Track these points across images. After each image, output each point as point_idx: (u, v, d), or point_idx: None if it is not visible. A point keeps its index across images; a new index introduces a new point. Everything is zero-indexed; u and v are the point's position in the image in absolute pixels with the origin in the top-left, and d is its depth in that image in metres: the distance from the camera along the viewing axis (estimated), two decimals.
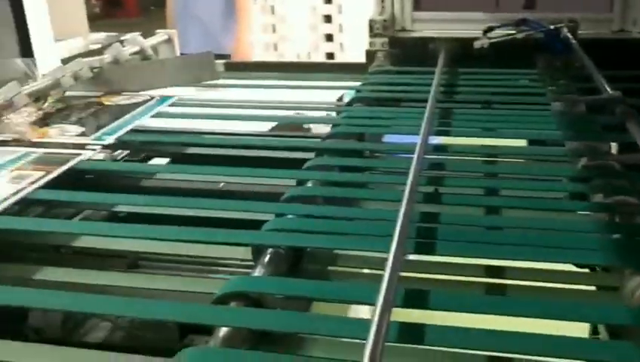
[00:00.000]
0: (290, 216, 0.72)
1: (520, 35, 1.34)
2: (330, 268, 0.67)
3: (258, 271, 0.62)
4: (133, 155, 1.13)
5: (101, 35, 3.37)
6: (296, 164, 0.93)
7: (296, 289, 0.58)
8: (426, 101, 1.03)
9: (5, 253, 0.82)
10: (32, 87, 1.09)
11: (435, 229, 0.69)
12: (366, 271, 0.67)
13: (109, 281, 0.69)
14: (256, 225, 0.73)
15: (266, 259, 0.63)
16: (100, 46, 2.94)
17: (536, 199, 0.78)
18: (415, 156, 0.79)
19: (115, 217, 0.90)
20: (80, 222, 0.79)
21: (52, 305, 0.61)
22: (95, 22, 3.42)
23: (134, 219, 0.81)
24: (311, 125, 1.37)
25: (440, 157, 0.91)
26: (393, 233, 0.59)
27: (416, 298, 0.57)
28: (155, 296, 0.68)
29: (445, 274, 0.64)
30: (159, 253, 0.80)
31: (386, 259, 0.55)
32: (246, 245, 0.67)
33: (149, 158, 1.12)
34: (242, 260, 0.77)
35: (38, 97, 1.10)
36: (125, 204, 0.83)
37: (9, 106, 1.03)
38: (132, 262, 0.87)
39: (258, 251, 0.65)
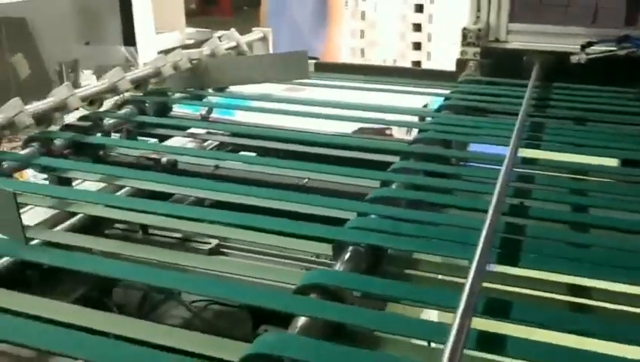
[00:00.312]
0: (373, 216, 0.73)
1: (622, 52, 1.29)
2: (408, 271, 0.67)
3: (338, 267, 0.62)
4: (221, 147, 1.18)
5: (195, 31, 3.50)
6: (380, 166, 0.94)
7: (377, 287, 0.58)
8: (516, 114, 1.01)
9: (96, 229, 0.87)
10: (134, 73, 1.15)
11: (519, 242, 0.68)
12: (444, 277, 0.67)
13: (191, 263, 0.71)
14: (337, 222, 0.74)
15: (347, 256, 0.64)
16: (193, 41, 3.07)
17: (628, 220, 0.75)
18: (503, 167, 0.78)
19: (201, 203, 0.93)
20: (167, 204, 0.82)
21: (136, 277, 0.63)
22: (190, 18, 3.55)
23: (220, 207, 0.84)
24: (394, 129, 1.38)
25: (528, 170, 0.89)
26: (477, 241, 0.59)
27: (496, 308, 0.56)
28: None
29: (527, 288, 0.63)
30: (241, 240, 0.82)
31: (466, 267, 0.55)
32: (329, 240, 0.68)
33: (237, 150, 1.15)
34: (319, 256, 0.78)
35: (139, 84, 1.15)
36: (213, 190, 0.85)
37: (113, 90, 1.08)
38: (215, 248, 0.90)
39: (339, 247, 0.66)
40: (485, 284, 0.57)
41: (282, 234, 0.73)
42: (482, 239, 0.59)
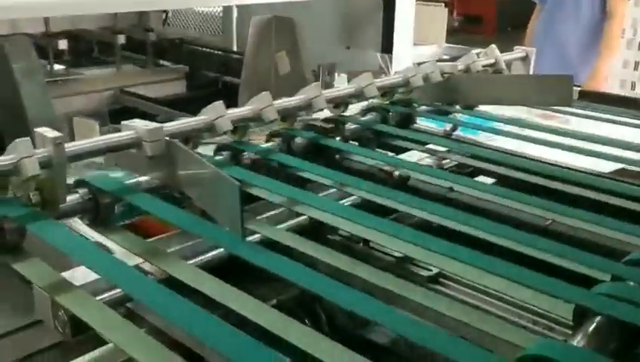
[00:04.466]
0: (631, 284, 0.60)
1: None
2: None
3: (578, 340, 0.51)
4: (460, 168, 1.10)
5: (454, 48, 3.45)
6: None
7: None
8: None
9: (317, 233, 0.85)
10: (383, 81, 1.12)
11: None
12: None
13: (407, 293, 0.65)
14: (583, 280, 0.63)
15: (591, 327, 0.52)
16: (449, 57, 3.01)
17: None
18: None
19: (425, 226, 0.86)
20: (392, 224, 0.77)
21: (346, 303, 0.59)
22: (451, 34, 3.51)
23: (444, 232, 0.77)
24: None
25: None
26: None
27: None
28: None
29: None
30: (463, 277, 0.74)
31: None
32: (569, 303, 0.57)
33: (474, 174, 1.07)
34: (553, 315, 0.67)
35: (385, 92, 1.13)
36: (442, 216, 0.78)
37: (359, 95, 1.07)
38: (434, 276, 0.83)
39: (582, 314, 0.54)
40: None
41: (514, 281, 0.63)
42: None
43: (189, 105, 1.90)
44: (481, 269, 0.65)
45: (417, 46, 2.25)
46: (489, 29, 9.08)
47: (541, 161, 1.09)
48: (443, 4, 4.14)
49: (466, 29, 8.68)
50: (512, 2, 8.39)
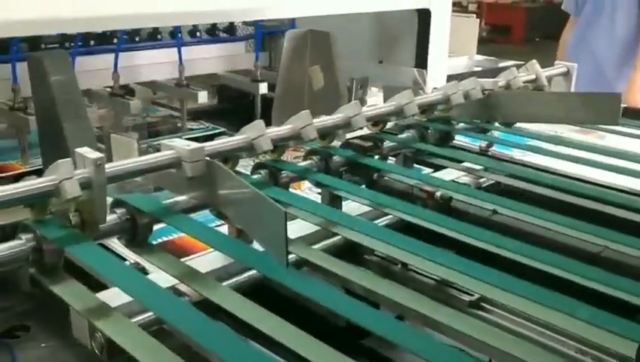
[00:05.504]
0: None
1: None
2: None
3: None
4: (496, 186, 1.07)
5: (485, 60, 3.39)
6: None
7: None
8: None
9: (354, 253, 0.83)
10: (423, 98, 1.10)
11: None
12: None
13: (444, 318, 0.63)
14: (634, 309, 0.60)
15: None
16: (481, 68, 2.96)
17: None
18: None
19: (462, 248, 0.83)
20: (432, 248, 0.75)
21: (389, 334, 0.56)
22: (479, 44, 3.46)
23: (481, 255, 0.75)
24: None
25: None
26: None
27: None
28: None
29: None
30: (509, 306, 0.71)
31: None
32: (625, 338, 0.54)
33: (509, 193, 1.04)
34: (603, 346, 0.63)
35: (424, 109, 1.10)
36: (488, 242, 0.75)
37: (398, 113, 1.04)
38: (476, 301, 0.80)
39: None
40: None
41: (564, 312, 0.61)
42: None
43: (220, 117, 1.89)
44: (533, 301, 0.63)
45: (449, 57, 2.22)
46: (517, 38, 8.99)
47: (580, 180, 1.06)
48: (474, 15, 4.08)
49: (494, 38, 8.60)
50: (541, 12, 8.30)
